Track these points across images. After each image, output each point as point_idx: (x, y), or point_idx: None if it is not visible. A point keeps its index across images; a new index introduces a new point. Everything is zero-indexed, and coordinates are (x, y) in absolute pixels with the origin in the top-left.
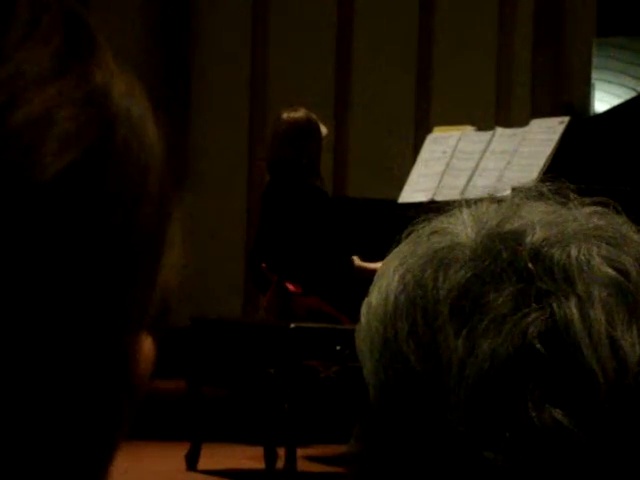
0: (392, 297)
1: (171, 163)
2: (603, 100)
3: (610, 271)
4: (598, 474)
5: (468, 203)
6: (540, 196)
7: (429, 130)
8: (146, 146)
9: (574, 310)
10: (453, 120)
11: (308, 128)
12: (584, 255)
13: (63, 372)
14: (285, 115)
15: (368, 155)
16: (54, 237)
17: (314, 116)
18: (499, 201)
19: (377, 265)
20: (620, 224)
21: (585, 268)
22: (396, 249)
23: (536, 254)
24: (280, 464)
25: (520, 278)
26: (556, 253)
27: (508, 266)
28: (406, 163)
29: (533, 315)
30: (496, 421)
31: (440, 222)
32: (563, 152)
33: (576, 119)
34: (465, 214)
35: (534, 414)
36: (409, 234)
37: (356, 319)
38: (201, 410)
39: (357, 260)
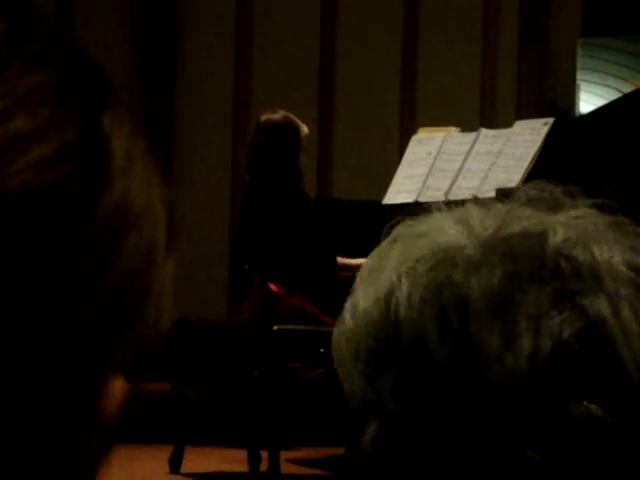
0: (398, 300)
1: (155, 166)
2: (588, 101)
3: (629, 272)
4: (635, 467)
5: (448, 205)
6: (550, 200)
7: (414, 131)
8: (135, 206)
9: (606, 308)
10: (438, 121)
11: (284, 130)
12: (607, 254)
13: (29, 405)
14: (263, 117)
15: (353, 156)
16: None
17: (292, 117)
18: (483, 204)
19: (359, 261)
20: (628, 228)
21: (610, 267)
22: (376, 251)
23: (561, 254)
24: (264, 467)
25: (551, 278)
26: (580, 253)
27: (539, 267)
28: (391, 164)
29: (567, 313)
30: (536, 419)
31: (423, 224)
32: (548, 153)
33: (561, 120)
34: (444, 219)
35: (573, 410)
36: (387, 234)
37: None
38: (184, 413)
39: (339, 258)
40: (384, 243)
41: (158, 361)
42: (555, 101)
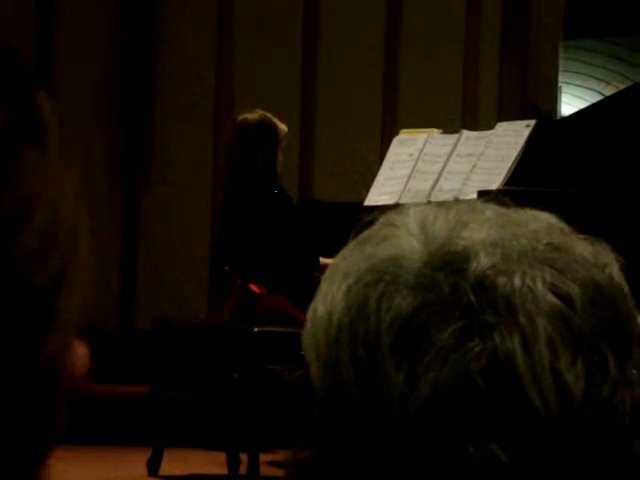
0: (335, 316)
1: (137, 164)
2: (569, 103)
3: (554, 299)
4: None
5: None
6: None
7: (396, 133)
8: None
9: (517, 345)
10: (420, 123)
11: (261, 130)
12: (528, 284)
13: None
14: (239, 117)
15: (334, 157)
16: None
17: (269, 117)
18: (444, 206)
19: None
20: (567, 237)
21: (528, 298)
22: (344, 251)
23: (480, 284)
24: (243, 470)
25: (464, 312)
26: (500, 283)
27: (451, 299)
28: (372, 165)
29: (476, 350)
30: (436, 456)
31: (388, 227)
32: (529, 155)
33: (543, 122)
34: (412, 219)
35: (472, 449)
36: (358, 233)
37: None
38: (163, 415)
39: (321, 258)
40: (351, 244)
41: (137, 363)
42: (537, 103)
